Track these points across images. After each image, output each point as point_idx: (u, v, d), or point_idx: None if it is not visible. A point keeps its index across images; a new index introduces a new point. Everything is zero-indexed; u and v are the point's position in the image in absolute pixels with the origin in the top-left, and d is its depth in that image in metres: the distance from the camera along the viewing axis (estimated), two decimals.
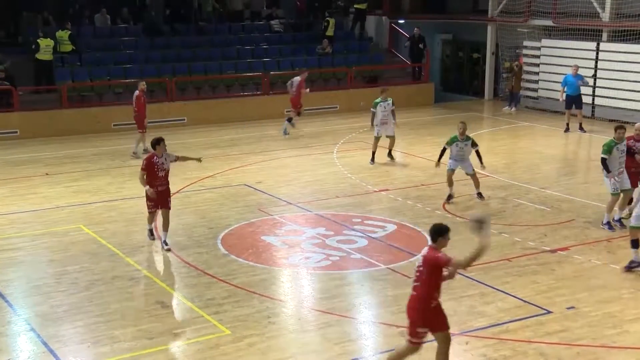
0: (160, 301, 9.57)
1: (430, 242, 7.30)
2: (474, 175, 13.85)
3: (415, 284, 7.22)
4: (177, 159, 11.53)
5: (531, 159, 17.61)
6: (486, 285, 9.99)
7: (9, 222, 12.78)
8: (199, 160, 12.30)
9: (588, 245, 11.33)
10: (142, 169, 11.06)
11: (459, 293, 9.74)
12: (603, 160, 11.90)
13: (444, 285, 9.95)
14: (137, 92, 17.57)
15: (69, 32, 21.99)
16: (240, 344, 8.39)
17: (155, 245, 11.68)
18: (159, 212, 11.43)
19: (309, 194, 14.46)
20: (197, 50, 23.95)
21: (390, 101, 16.76)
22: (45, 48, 21.20)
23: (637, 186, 11.87)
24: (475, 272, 10.38)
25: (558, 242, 11.63)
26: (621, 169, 11.99)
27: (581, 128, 20.06)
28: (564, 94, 20.09)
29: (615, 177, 11.92)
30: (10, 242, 11.78)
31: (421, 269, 7.17)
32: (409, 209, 13.43)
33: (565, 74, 20.60)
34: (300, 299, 9.83)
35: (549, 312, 9.06)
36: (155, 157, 11.06)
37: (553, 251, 11.28)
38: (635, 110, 20.62)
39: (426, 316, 7.16)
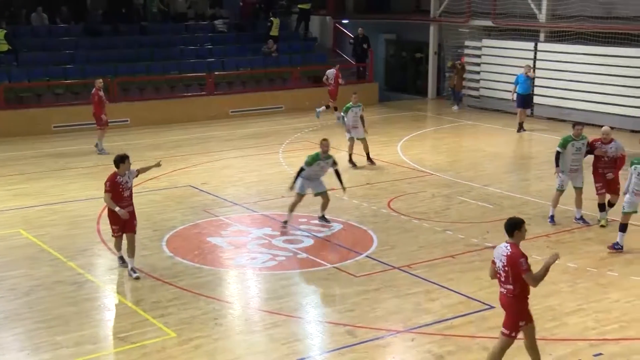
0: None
1: (508, 238, 7.23)
2: (325, 195, 12.46)
3: (508, 286, 7.13)
4: (138, 172, 10.60)
5: (474, 157, 17.93)
6: (431, 282, 10.12)
7: None
8: (158, 165, 11.13)
9: (529, 241, 11.55)
10: (106, 191, 10.08)
11: (404, 290, 9.85)
12: (557, 154, 12.21)
13: (389, 282, 10.12)
14: (93, 90, 17.88)
15: (5, 31, 21.43)
16: (186, 347, 8.31)
17: (98, 248, 11.48)
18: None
19: (255, 194, 14.42)
20: (139, 50, 23.62)
21: (361, 106, 16.82)
22: None
23: (609, 186, 12.13)
24: (421, 270, 10.52)
25: (501, 239, 11.64)
26: (576, 167, 12.28)
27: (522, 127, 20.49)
28: (515, 94, 20.43)
29: (562, 174, 12.23)
30: None
31: (507, 269, 7.11)
32: (355, 208, 13.51)
33: (511, 74, 20.99)
34: (247, 300, 9.80)
35: (491, 307, 9.22)
36: (118, 177, 10.14)
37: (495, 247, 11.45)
38: (572, 108, 21.19)
39: (527, 310, 7.22)
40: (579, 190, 12.38)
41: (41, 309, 9.28)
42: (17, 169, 16.53)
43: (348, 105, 16.74)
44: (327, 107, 21.61)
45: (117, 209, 10.06)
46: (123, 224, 10.28)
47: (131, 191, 10.37)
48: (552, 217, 12.49)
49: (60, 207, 13.64)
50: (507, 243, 7.28)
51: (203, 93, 23.01)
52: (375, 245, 11.61)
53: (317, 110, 21.35)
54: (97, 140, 18.04)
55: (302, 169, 12.11)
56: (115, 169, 10.20)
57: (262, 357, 8.18)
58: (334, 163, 12.43)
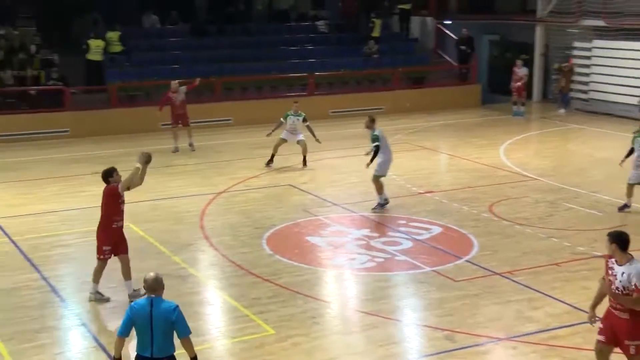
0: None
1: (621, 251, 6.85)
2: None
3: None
4: (129, 188, 9.64)
5: (582, 162, 17.28)
6: (534, 290, 9.81)
7: (60, 219, 13.04)
8: (147, 159, 9.71)
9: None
10: (117, 195, 9.48)
11: (506, 297, 9.60)
12: None
13: (490, 288, 9.88)
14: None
15: (119, 33, 22.37)
16: (284, 344, 8.40)
17: (201, 243, 11.78)
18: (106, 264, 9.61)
19: (355, 195, 14.41)
20: (243, 50, 24.12)
21: (302, 116, 16.62)
22: (95, 49, 21.62)
23: None
24: (523, 277, 10.23)
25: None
26: None
27: None
28: None
29: None
30: (61, 238, 12.02)
31: (633, 288, 6.69)
32: (455, 211, 13.28)
33: (623, 76, 19.99)
34: (344, 300, 9.81)
35: (599, 318, 8.84)
36: (117, 189, 9.46)
37: (604, 257, 10.99)
38: None
39: None
40: None
41: None
42: (127, 165, 17.12)
43: (287, 113, 16.64)
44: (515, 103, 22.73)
45: (137, 163, 9.32)
46: (115, 244, 9.47)
47: (124, 207, 9.60)
48: None
49: (163, 202, 14.09)
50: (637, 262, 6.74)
51: (304, 93, 23.24)
52: (475, 249, 11.38)
53: (515, 109, 22.50)
54: (189, 139, 18.39)
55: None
56: (107, 184, 9.50)
57: (359, 358, 8.17)
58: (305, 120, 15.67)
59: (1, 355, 8.19)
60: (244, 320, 9.03)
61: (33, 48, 21.50)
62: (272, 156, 16.58)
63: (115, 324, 8.90)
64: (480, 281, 10.15)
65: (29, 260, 11.02)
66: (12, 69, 20.50)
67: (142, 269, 10.57)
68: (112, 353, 6.64)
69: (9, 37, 21.87)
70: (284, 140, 16.62)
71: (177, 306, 6.50)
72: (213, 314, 9.42)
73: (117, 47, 22.36)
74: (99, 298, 9.50)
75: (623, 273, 6.79)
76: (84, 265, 10.88)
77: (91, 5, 24.03)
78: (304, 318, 9.06)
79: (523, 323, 8.87)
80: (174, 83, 18.20)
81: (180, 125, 18.32)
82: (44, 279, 10.31)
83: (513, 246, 11.55)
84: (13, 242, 11.81)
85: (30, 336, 8.62)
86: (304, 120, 16.63)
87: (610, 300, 6.97)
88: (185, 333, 6.45)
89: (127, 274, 9.55)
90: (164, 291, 6.57)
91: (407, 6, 26.44)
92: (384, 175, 13.36)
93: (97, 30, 22.48)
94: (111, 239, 9.50)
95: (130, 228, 12.50)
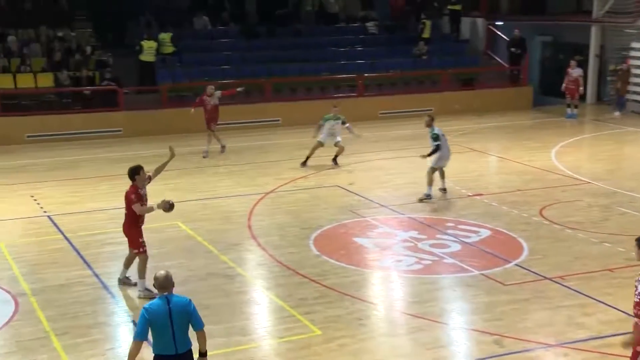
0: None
1: None
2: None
3: None
4: (150, 179, 9.85)
5: (637, 165, 16.84)
6: (586, 295, 9.59)
7: (110, 218, 13.24)
8: (172, 154, 10.25)
9: None
10: (134, 202, 9.47)
11: (556, 302, 9.41)
12: None
13: (540, 293, 9.69)
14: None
15: (171, 34, 22.69)
16: (331, 345, 8.38)
17: (249, 243, 11.84)
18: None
19: (402, 196, 14.32)
20: (292, 52, 24.21)
21: (341, 119, 16.77)
22: (148, 50, 21.96)
23: None
24: (575, 282, 10.01)
25: None
26: None
27: None
28: None
29: None
30: (111, 236, 12.20)
31: None
32: (504, 215, 13.08)
33: None
34: (391, 302, 9.74)
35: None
36: (138, 189, 9.52)
37: None
38: None
39: None
40: None
41: (195, 298, 9.54)
42: (174, 165, 17.31)
43: (326, 116, 16.80)
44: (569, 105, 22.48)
45: (155, 205, 9.44)
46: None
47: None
48: None
49: (212, 202, 14.21)
50: None
51: (353, 94, 23.20)
52: (525, 253, 11.18)
53: (568, 112, 22.32)
54: (219, 143, 18.12)
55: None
56: (133, 180, 9.54)
57: None
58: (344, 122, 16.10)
59: (55, 349, 8.37)
60: (290, 320, 9.04)
61: (88, 49, 21.97)
62: (307, 158, 16.78)
63: None
64: (530, 285, 9.97)
65: (81, 257, 11.24)
66: (68, 70, 20.97)
67: (191, 268, 10.75)
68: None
69: (67, 38, 22.39)
70: (321, 144, 16.79)
71: (191, 299, 6.60)
72: (260, 313, 9.46)
73: (169, 48, 22.67)
74: (147, 295, 9.48)
75: None
76: (133, 263, 11.05)
77: (145, 7, 24.41)
78: (351, 319, 9.02)
79: (574, 329, 8.67)
80: (210, 87, 18.16)
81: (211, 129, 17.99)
82: (96, 275, 10.50)
83: (564, 251, 11.31)
84: (67, 238, 12.07)
85: (84, 331, 8.78)
86: (343, 122, 16.81)
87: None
88: (200, 325, 6.55)
89: (130, 263, 9.98)
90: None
91: (457, 7, 26.19)
92: (439, 168, 14.00)
93: (150, 32, 22.83)
94: (141, 235, 9.73)
95: (179, 226, 12.68)
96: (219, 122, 18.28)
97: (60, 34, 22.40)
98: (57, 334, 8.70)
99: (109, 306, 9.59)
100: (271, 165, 17.11)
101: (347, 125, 16.84)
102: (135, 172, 9.53)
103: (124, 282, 10.12)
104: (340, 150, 16.84)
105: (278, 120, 21.97)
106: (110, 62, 21.85)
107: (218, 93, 18.21)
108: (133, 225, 9.70)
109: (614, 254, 11.11)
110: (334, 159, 16.90)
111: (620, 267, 10.53)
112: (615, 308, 9.20)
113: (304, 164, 16.74)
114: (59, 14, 23.19)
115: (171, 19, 24.18)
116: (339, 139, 16.79)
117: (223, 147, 18.31)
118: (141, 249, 9.71)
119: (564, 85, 22.46)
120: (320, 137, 16.80)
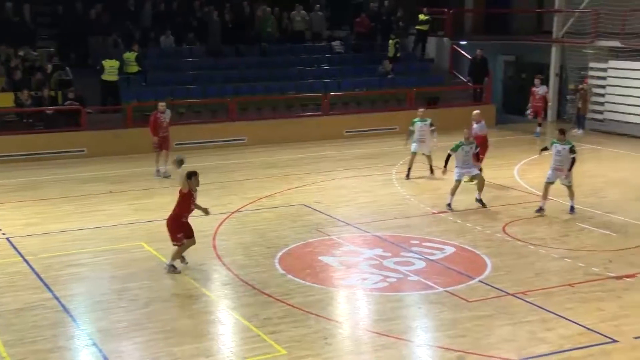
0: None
1: None
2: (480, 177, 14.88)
3: None
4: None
5: (596, 182, 17.16)
6: (547, 310, 9.72)
7: (73, 238, 13.11)
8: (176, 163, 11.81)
9: None
10: (186, 194, 11.25)
11: (518, 318, 9.52)
12: None
13: (503, 309, 9.81)
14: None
15: (136, 53, 22.56)
16: None
17: (214, 263, 11.80)
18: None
19: (367, 214, 14.40)
20: (258, 70, 24.27)
21: (428, 121, 17.28)
22: (109, 69, 21.74)
23: None
24: (536, 297, 10.14)
25: (624, 269, 11.27)
26: None
27: None
28: None
29: None
30: (74, 257, 12.07)
31: None
32: (468, 232, 13.23)
33: (635, 96, 19.98)
34: (356, 321, 9.76)
35: (614, 341, 8.76)
36: (191, 192, 11.26)
37: (619, 277, 10.92)
38: None
39: None
40: None
41: (159, 319, 9.62)
42: (142, 185, 17.26)
43: (414, 119, 17.40)
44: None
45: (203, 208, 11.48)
46: (185, 232, 11.23)
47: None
48: None
49: None
50: None
51: (318, 113, 23.31)
52: (489, 270, 11.31)
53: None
54: (164, 164, 17.62)
55: (449, 155, 14.71)
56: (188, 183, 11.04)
57: None
58: (476, 147, 14.87)
59: None
60: (256, 340, 9.01)
61: (50, 68, 21.73)
62: (409, 170, 17.27)
63: (126, 344, 8.93)
64: (493, 302, 10.08)
65: (41, 279, 11.07)
66: (29, 90, 20.70)
67: (155, 289, 10.66)
68: None
69: (28, 57, 22.14)
70: (414, 154, 17.24)
71: None
72: (225, 333, 9.41)
73: (134, 68, 22.53)
74: (172, 271, 11.17)
75: None
76: (95, 285, 10.95)
77: (111, 27, 24.26)
78: (316, 338, 9.02)
79: (536, 344, 8.78)
80: (161, 104, 17.88)
81: (162, 150, 17.71)
82: (56, 298, 10.34)
83: (527, 267, 11.47)
84: (26, 261, 11.87)
85: (43, 356, 8.63)
86: (431, 124, 17.29)
87: None
88: None
89: (177, 254, 11.33)
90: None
91: (424, 27, 26.52)
92: (458, 180, 14.59)
93: (115, 51, 22.68)
94: (182, 228, 11.20)
95: (143, 247, 12.57)
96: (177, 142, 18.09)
97: (21, 52, 22.14)
98: (15, 359, 8.54)
99: (69, 329, 9.44)
100: (236, 185, 17.09)
101: (433, 128, 17.29)
102: (189, 177, 11.11)
103: (169, 270, 11.28)
104: (430, 160, 17.34)
105: (244, 139, 21.96)
106: (72, 82, 21.63)
107: (168, 112, 18.03)
108: (175, 220, 11.22)
109: (574, 269, 11.30)
110: (431, 169, 17.37)
111: (580, 282, 10.71)
112: (575, 322, 9.34)
113: (407, 176, 17.20)
114: (20, 33, 22.91)
115: (138, 38, 24.06)
116: (427, 148, 17.31)
117: (159, 170, 17.86)
118: (177, 243, 11.24)
119: (529, 105, 22.81)
120: (413, 147, 17.26)
